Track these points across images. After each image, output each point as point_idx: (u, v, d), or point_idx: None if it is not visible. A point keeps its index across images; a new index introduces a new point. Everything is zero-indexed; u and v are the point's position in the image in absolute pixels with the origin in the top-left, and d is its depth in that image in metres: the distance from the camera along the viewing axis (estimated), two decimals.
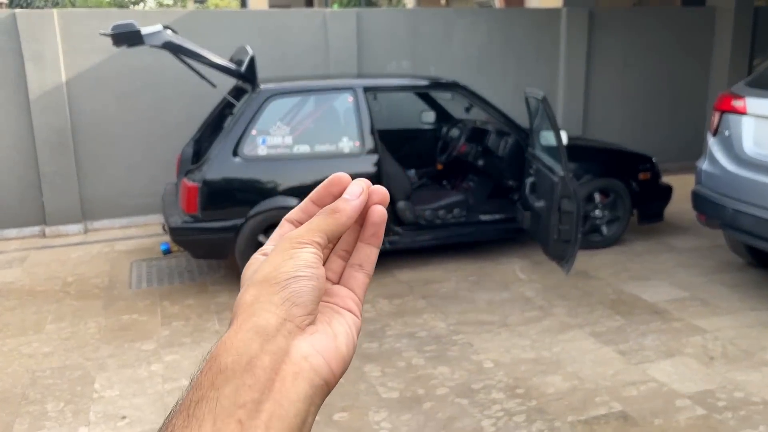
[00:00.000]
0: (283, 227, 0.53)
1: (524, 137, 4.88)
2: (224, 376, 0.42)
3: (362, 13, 6.70)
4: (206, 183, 4.23)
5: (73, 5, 14.52)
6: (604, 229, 5.13)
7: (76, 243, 5.81)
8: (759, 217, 3.72)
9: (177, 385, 3.22)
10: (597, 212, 5.08)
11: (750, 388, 3.07)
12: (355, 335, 0.50)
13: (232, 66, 4.30)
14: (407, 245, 4.76)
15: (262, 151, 4.36)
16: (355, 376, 3.26)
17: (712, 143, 4.20)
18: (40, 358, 3.54)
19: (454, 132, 5.52)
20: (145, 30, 3.99)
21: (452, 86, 4.92)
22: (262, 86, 4.45)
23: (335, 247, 0.54)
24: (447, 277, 4.64)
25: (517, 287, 4.40)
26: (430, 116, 5.97)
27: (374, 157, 4.50)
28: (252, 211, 4.30)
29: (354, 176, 0.54)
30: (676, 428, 2.79)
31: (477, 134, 5.33)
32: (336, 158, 4.47)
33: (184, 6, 17.31)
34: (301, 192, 4.37)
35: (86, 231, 6.15)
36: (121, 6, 15.58)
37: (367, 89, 4.60)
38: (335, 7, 17.94)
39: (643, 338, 3.61)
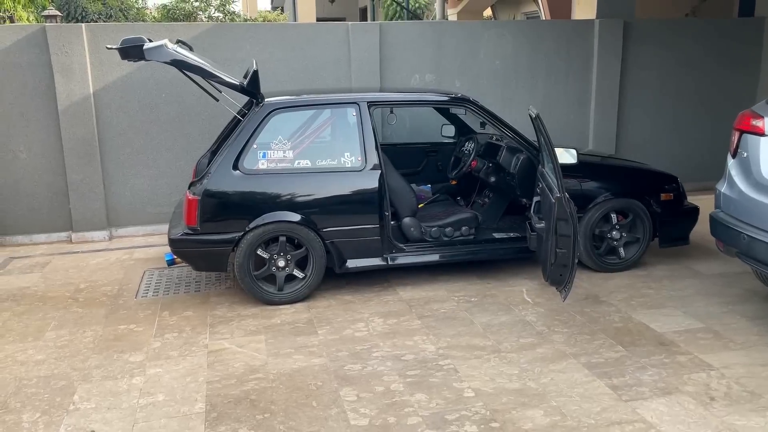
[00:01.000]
0: None
1: (537, 154, 4.71)
2: None
3: (385, 26, 6.65)
4: (206, 196, 4.25)
5: (126, 18, 15.05)
6: (622, 252, 4.88)
7: (98, 249, 5.96)
8: None
9: (152, 400, 3.22)
10: (614, 233, 4.85)
11: None
12: None
13: (236, 81, 4.32)
14: (412, 263, 4.66)
15: (262, 164, 4.35)
16: (329, 399, 3.19)
17: (731, 165, 3.94)
18: (30, 366, 3.62)
19: (467, 147, 5.39)
20: (147, 45, 4.05)
21: (461, 101, 4.79)
22: (266, 100, 4.45)
23: None
24: (449, 297, 4.50)
25: (519, 310, 4.23)
26: (450, 131, 5.86)
27: (377, 173, 4.43)
28: (251, 225, 4.29)
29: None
30: None
31: (490, 150, 5.18)
32: (338, 173, 4.41)
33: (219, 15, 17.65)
34: (301, 206, 4.34)
35: (111, 238, 6.31)
36: (175, 19, 16.05)
37: (370, 104, 4.54)
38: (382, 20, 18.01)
39: (642, 372, 3.38)
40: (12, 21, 12.24)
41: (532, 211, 4.40)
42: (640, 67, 7.26)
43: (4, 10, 12.72)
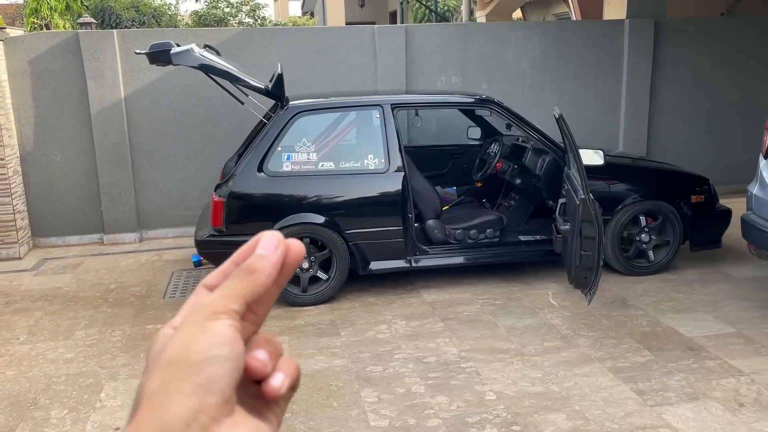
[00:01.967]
0: (199, 293, 0.44)
1: (563, 156, 4.65)
2: None
3: (411, 29, 6.65)
4: (231, 198, 4.30)
5: (159, 25, 15.33)
6: (651, 255, 4.79)
7: (128, 251, 6.08)
8: None
9: None
10: (643, 236, 4.76)
11: None
12: (278, 424, 0.42)
13: (261, 84, 4.37)
14: (435, 265, 4.65)
15: (286, 167, 4.39)
16: (349, 400, 3.19)
17: (764, 166, 3.84)
18: (60, 364, 3.70)
19: (492, 149, 5.35)
20: (174, 50, 4.12)
21: (486, 102, 4.76)
22: (291, 103, 4.49)
23: None
24: (474, 299, 4.48)
25: (545, 314, 4.18)
26: (475, 133, 5.83)
27: (400, 175, 4.43)
28: (275, 227, 4.33)
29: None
30: None
31: (516, 152, 5.14)
32: (361, 175, 4.43)
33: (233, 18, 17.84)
34: (325, 208, 4.37)
35: (141, 240, 6.43)
36: (207, 25, 16.29)
37: (394, 106, 4.54)
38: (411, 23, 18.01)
39: (669, 377, 3.31)
40: (48, 28, 12.58)
41: (557, 213, 4.35)
42: (673, 67, 7.12)
43: (41, 18, 13.09)
